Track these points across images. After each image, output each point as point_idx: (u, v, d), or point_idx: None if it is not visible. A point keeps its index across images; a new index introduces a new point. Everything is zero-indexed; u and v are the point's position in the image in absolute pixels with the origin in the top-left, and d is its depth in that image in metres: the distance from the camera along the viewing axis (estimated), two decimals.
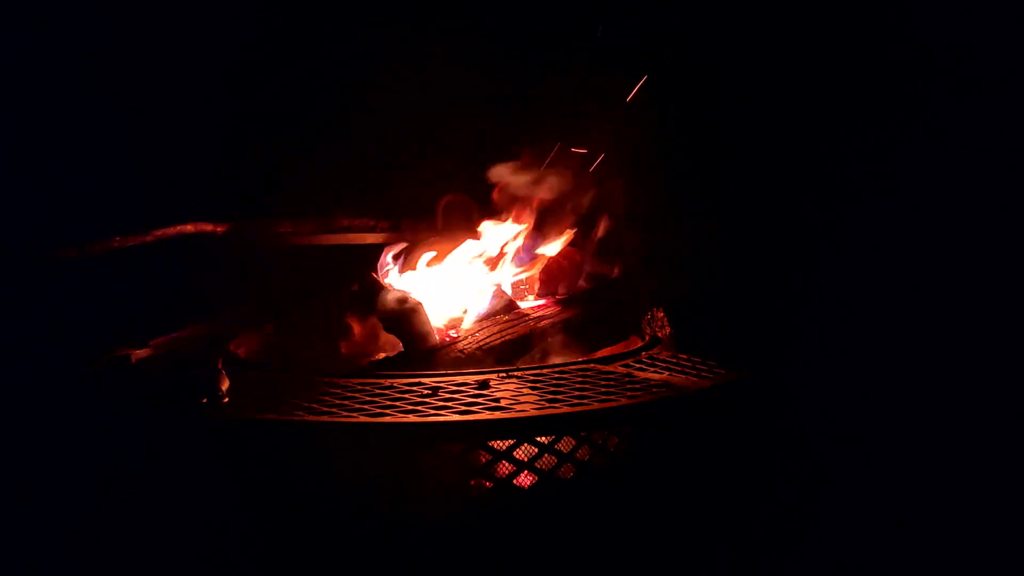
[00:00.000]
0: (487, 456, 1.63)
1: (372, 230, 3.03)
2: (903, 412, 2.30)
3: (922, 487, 2.11)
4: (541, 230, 2.68)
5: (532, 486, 1.66)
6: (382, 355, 2.33)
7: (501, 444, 1.62)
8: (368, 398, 1.71)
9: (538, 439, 1.64)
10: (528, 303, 2.55)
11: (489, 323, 2.33)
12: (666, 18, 2.70)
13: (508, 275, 2.63)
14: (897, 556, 1.93)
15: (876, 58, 2.52)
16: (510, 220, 2.65)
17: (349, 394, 1.74)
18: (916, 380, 2.35)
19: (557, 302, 2.49)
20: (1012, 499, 2.03)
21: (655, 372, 1.94)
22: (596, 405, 1.65)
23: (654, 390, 1.76)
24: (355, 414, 1.59)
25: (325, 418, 1.57)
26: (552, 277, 2.58)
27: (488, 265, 2.60)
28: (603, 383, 1.82)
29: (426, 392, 1.75)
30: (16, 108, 2.72)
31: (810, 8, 2.53)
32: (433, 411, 1.61)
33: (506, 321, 2.32)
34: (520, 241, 2.64)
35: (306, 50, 3.13)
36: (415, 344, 2.19)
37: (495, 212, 2.69)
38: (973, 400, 2.29)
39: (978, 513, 2.01)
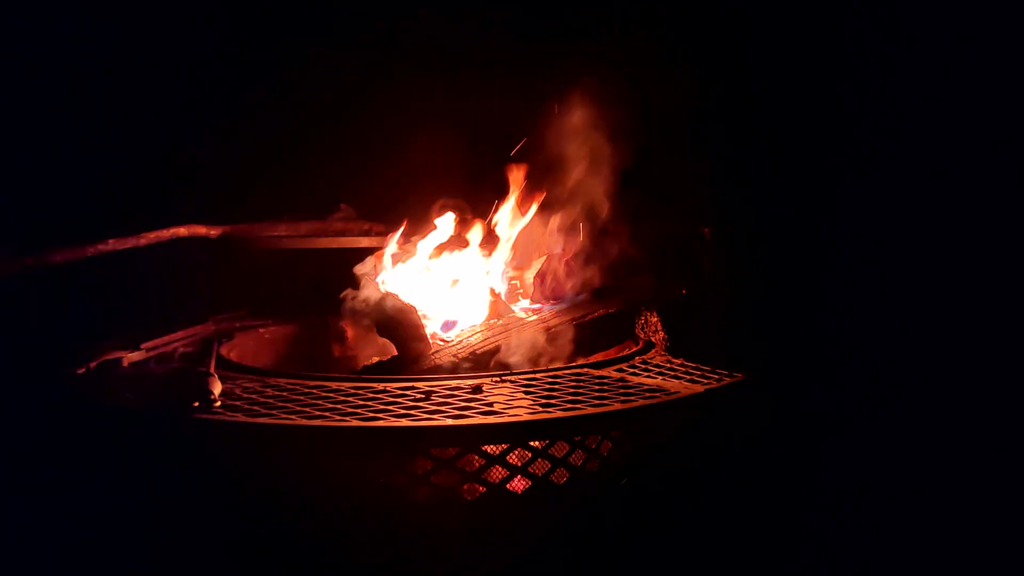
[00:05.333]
0: (481, 460, 1.63)
1: (367, 233, 3.03)
2: (902, 415, 2.31)
3: (923, 490, 2.11)
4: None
5: (526, 491, 1.66)
6: (375, 359, 2.33)
7: (495, 449, 1.62)
8: (361, 402, 1.71)
9: (531, 443, 1.64)
10: (522, 307, 2.55)
11: (483, 327, 2.33)
12: None
13: (503, 278, 2.63)
14: (897, 560, 1.93)
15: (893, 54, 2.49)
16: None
17: (342, 398, 1.74)
18: (914, 383, 2.36)
19: (551, 306, 2.48)
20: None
21: (648, 377, 1.94)
22: (589, 410, 1.65)
23: (647, 394, 1.76)
24: (348, 418, 1.59)
25: (318, 422, 1.57)
26: (546, 282, 2.57)
27: (482, 268, 2.60)
28: (596, 388, 1.81)
29: (419, 396, 1.75)
30: (7, 109, 2.71)
31: None
32: (426, 415, 1.60)
33: (500, 325, 2.32)
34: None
35: (305, 50, 3.13)
36: (408, 348, 2.18)
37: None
38: (975, 403, 2.30)
39: (987, 516, 2.01)
